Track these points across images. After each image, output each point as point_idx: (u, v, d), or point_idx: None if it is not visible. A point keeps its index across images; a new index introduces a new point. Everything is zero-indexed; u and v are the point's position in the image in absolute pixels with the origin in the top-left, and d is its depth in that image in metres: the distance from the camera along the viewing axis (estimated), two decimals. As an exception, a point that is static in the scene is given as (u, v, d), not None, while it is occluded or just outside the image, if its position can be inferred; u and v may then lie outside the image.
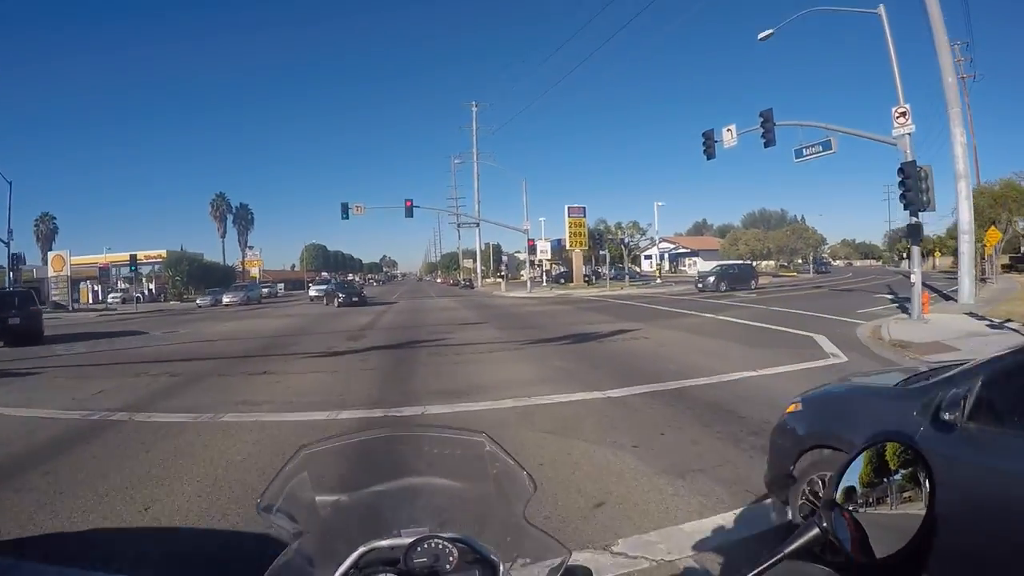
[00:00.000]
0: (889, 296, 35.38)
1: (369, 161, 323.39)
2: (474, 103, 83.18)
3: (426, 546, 1.43)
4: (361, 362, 15.52)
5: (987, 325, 18.98)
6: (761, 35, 30.12)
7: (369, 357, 16.37)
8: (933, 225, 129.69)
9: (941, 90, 26.74)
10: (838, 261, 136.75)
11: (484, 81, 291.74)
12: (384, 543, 1.49)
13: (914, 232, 23.04)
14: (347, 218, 52.00)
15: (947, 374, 4.10)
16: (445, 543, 1.44)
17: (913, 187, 21.37)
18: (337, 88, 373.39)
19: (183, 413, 10.09)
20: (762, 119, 27.79)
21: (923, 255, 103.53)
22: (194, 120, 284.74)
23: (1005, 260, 54.82)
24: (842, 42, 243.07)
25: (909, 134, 23.18)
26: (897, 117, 23.31)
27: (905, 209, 22.45)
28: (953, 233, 24.11)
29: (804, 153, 27.88)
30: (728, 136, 30.19)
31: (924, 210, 22.69)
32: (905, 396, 4.30)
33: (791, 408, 5.39)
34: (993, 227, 43.29)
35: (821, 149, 27.17)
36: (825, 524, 1.41)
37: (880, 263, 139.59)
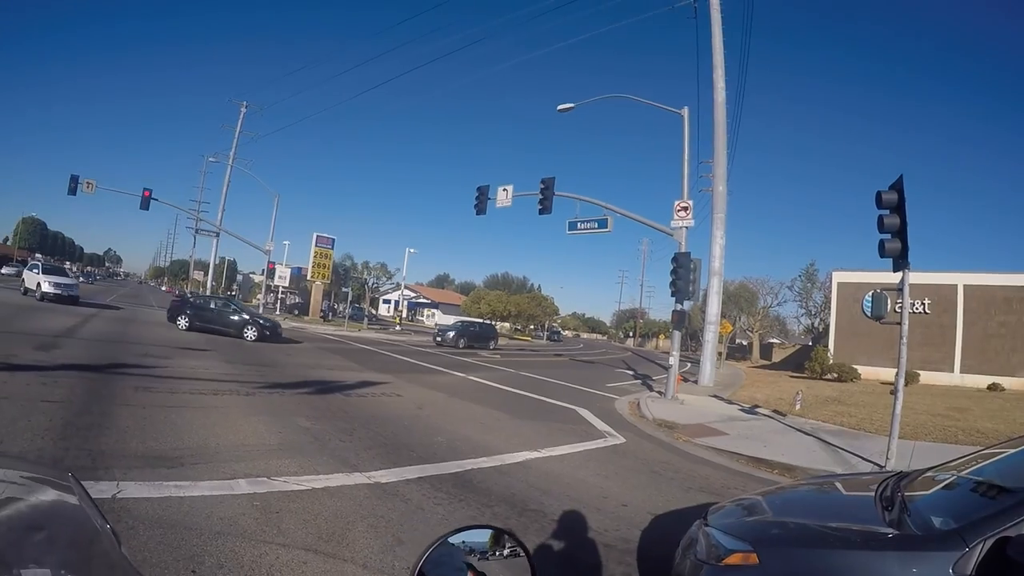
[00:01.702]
0: (629, 372, 36.85)
1: (109, 139, 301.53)
2: (244, 103, 77.65)
3: None
4: (43, 386, 11.48)
5: (739, 409, 20.13)
6: (561, 107, 30.44)
7: (58, 380, 12.26)
8: (656, 311, 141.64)
9: (707, 195, 30.02)
10: (567, 332, 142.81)
11: (256, 87, 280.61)
12: None
13: (679, 319, 23.64)
14: (74, 194, 45.14)
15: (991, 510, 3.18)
16: None
17: (683, 276, 22.29)
18: (88, 49, 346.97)
19: None
20: (543, 186, 27.52)
21: (648, 336, 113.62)
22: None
23: (721, 348, 61.24)
24: (629, 130, 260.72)
25: (687, 227, 24.28)
26: (679, 210, 24.49)
27: (672, 296, 23.00)
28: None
29: (579, 227, 27.93)
30: (503, 196, 29.93)
31: (689, 299, 23.74)
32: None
33: (734, 559, 3.55)
34: (726, 320, 46.72)
35: (597, 226, 27.43)
36: None
37: (606, 338, 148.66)
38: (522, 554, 1.78)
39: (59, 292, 36.42)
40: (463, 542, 1.74)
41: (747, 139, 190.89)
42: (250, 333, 30.45)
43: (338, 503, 6.87)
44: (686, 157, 26.80)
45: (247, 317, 31.97)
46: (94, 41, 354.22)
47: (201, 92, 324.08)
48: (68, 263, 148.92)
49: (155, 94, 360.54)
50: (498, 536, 1.81)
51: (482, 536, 1.80)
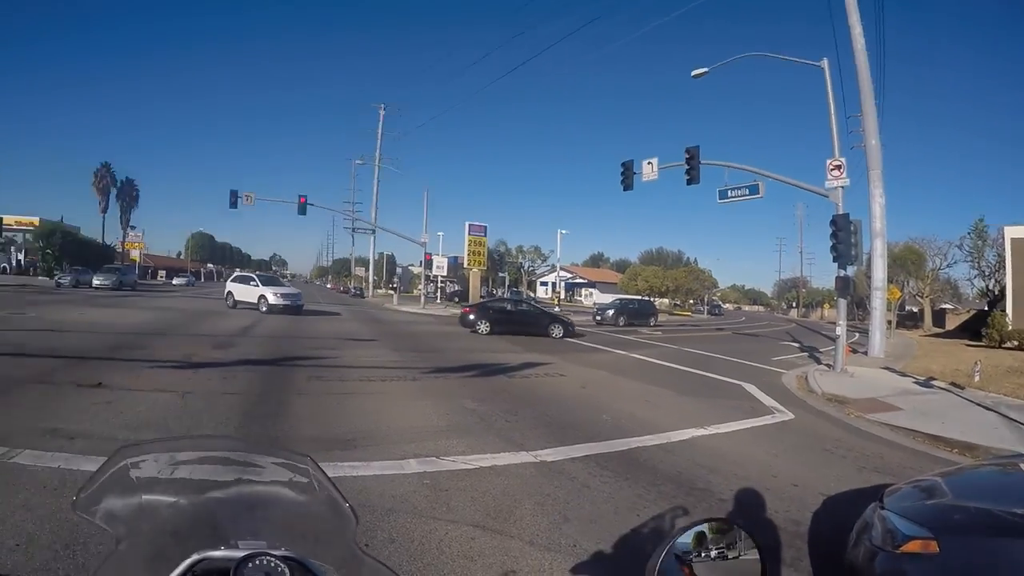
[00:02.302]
0: (795, 344, 35.83)
1: (264, 152, 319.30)
2: (382, 105, 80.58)
3: (259, 562, 1.32)
4: (223, 380, 12.36)
5: (913, 382, 18.74)
6: (695, 72, 29.72)
7: (235, 375, 13.18)
8: (819, 279, 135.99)
9: (860, 151, 27.59)
10: (727, 305, 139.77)
11: (396, 84, 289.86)
12: (218, 553, 1.38)
13: (843, 285, 22.20)
14: (236, 207, 48.18)
15: None
16: (278, 561, 1.33)
17: (844, 240, 21.08)
18: (237, 72, 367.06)
19: None
20: (688, 156, 26.85)
21: (811, 307, 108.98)
22: (87, 83, 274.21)
23: (890, 317, 58.08)
24: (770, 91, 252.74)
25: (843, 187, 22.95)
26: (832, 169, 23.18)
27: (834, 261, 21.83)
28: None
29: (729, 195, 27.12)
30: (648, 169, 29.17)
31: (852, 263, 22.63)
32: None
33: (912, 547, 3.33)
34: (893, 285, 44.21)
35: (748, 193, 26.44)
36: None
37: (768, 310, 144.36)
38: (753, 548, 1.75)
39: (287, 303, 35.40)
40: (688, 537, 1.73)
41: (899, 85, 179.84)
42: (556, 331, 30.11)
43: (505, 481, 6.99)
44: (832, 112, 25.26)
45: (551, 315, 32.46)
46: (241, 64, 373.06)
47: (345, 99, 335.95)
48: (237, 269, 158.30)
49: (301, 106, 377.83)
50: (724, 528, 1.78)
51: (706, 529, 1.77)
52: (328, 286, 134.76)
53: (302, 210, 49.55)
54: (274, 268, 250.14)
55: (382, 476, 6.79)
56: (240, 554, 1.34)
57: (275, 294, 35.77)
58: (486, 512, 5.95)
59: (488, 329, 29.81)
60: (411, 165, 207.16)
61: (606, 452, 8.56)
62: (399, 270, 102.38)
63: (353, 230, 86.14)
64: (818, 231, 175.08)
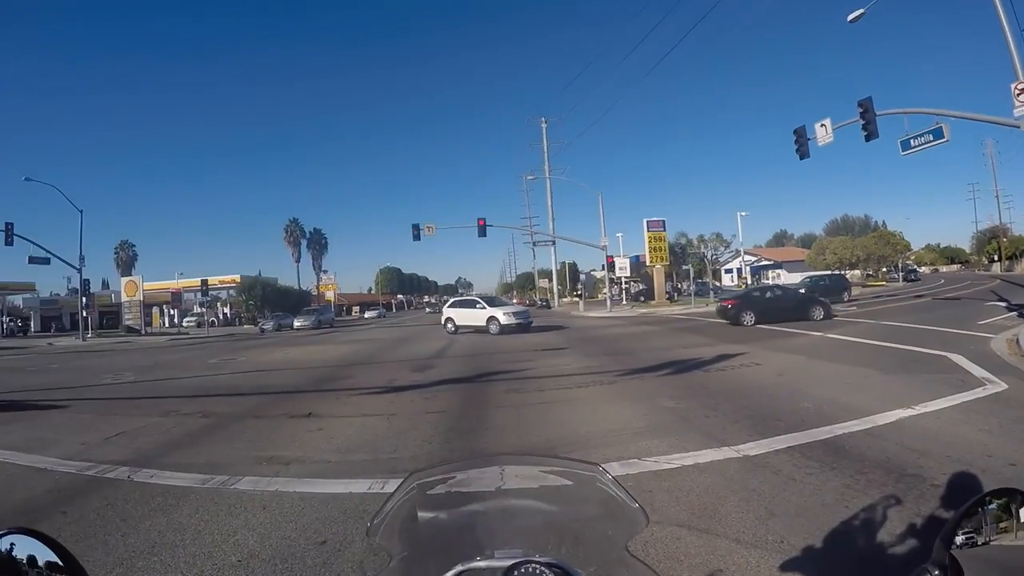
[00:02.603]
0: (1002, 304, 33.23)
1: (440, 182, 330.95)
2: (544, 119, 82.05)
3: (522, 570, 1.33)
4: (424, 401, 13.20)
5: None
6: (851, 16, 27.79)
7: (435, 394, 14.04)
8: (1022, 225, 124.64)
9: None
10: (923, 267, 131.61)
11: (553, 95, 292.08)
12: (480, 564, 1.43)
13: None
14: (419, 239, 51.49)
15: None
16: (541, 567, 1.34)
17: None
18: (406, 110, 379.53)
19: (193, 473, 8.07)
20: (861, 110, 25.73)
21: (1015, 258, 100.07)
22: (268, 146, 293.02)
23: None
24: (933, 19, 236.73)
25: None
26: (1018, 94, 20.78)
27: None
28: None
29: (912, 144, 25.55)
30: (822, 132, 28.19)
31: None
32: None
33: None
34: None
35: (932, 138, 24.95)
36: (938, 572, 1.37)
37: (967, 267, 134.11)
38: None
39: (519, 321, 35.59)
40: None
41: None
42: (816, 313, 29.83)
43: (708, 478, 7.06)
44: (1006, 28, 21.85)
45: (811, 298, 32.79)
46: (406, 101, 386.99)
47: (509, 119, 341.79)
48: (426, 296, 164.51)
49: (469, 133, 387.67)
50: (1005, 498, 1.49)
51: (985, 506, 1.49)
52: (514, 301, 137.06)
53: (482, 232, 51.46)
54: (460, 291, 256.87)
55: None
56: (503, 563, 1.38)
57: (505, 314, 36.12)
58: (690, 511, 6.05)
59: (753, 320, 29.81)
60: (581, 171, 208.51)
61: (809, 442, 8.44)
62: (582, 276, 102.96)
63: (533, 244, 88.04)
64: (1014, 169, 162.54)
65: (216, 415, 12.58)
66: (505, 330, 34.52)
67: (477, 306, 37.76)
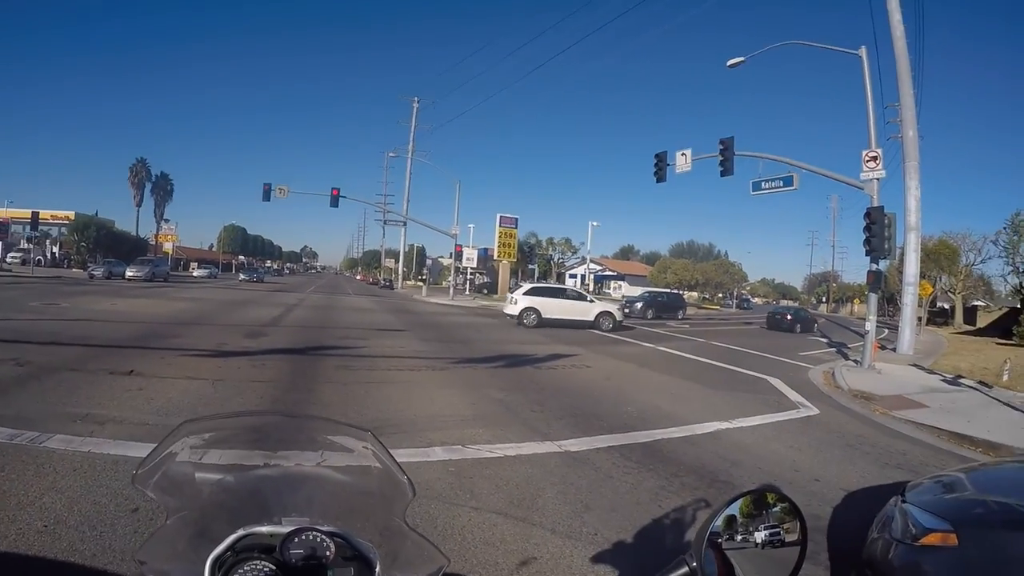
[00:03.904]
0: (823, 339, 35.55)
1: (297, 145, 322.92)
2: (416, 99, 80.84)
3: (304, 537, 1.36)
4: (253, 368, 12.69)
5: (941, 380, 18.60)
6: (730, 62, 29.59)
7: (265, 363, 13.50)
8: (850, 274, 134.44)
9: (896, 142, 27.08)
10: (757, 299, 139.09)
11: (429, 78, 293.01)
12: (263, 529, 1.43)
13: (875, 280, 22.12)
14: (268, 200, 49.16)
15: None
16: (323, 536, 1.37)
17: (877, 233, 20.79)
18: (274, 65, 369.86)
19: (1, 426, 7.23)
20: (722, 147, 26.65)
21: (841, 302, 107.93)
22: (121, 79, 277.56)
23: (920, 313, 57.27)
24: (805, 81, 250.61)
25: (878, 179, 22.75)
26: (868, 161, 22.99)
27: (867, 255, 21.62)
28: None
29: (763, 186, 26.88)
30: (682, 160, 29.11)
31: (884, 257, 22.36)
32: None
33: (931, 539, 3.35)
34: (925, 281, 43.55)
35: (782, 184, 26.33)
36: (695, 563, 1.41)
37: (797, 304, 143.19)
38: (792, 519, 1.59)
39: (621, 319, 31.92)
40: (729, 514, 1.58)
41: (935, 78, 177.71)
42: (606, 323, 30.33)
43: (529, 470, 7.08)
44: (870, 102, 24.77)
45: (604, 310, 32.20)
46: (274, 57, 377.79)
47: (379, 93, 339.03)
48: (268, 262, 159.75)
49: (335, 100, 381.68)
50: (759, 501, 1.62)
51: (739, 506, 1.59)
52: (358, 277, 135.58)
53: (335, 202, 50.04)
54: (305, 260, 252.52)
55: (407, 463, 6.75)
56: (286, 530, 1.38)
57: (619, 309, 33.60)
58: (509, 500, 6.05)
59: (535, 322, 29.98)
60: (443, 158, 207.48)
61: (630, 443, 8.61)
62: (429, 262, 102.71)
63: (384, 222, 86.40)
64: (851, 225, 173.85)
65: (31, 364, 11.48)
66: (617, 327, 31.14)
67: (565, 296, 32.93)
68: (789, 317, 44.88)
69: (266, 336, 18.56)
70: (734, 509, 1.55)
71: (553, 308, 31.05)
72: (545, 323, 30.21)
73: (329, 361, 14.37)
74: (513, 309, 31.27)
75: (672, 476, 7.17)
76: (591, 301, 32.80)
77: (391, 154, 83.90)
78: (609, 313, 31.59)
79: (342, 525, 1.45)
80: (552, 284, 35.81)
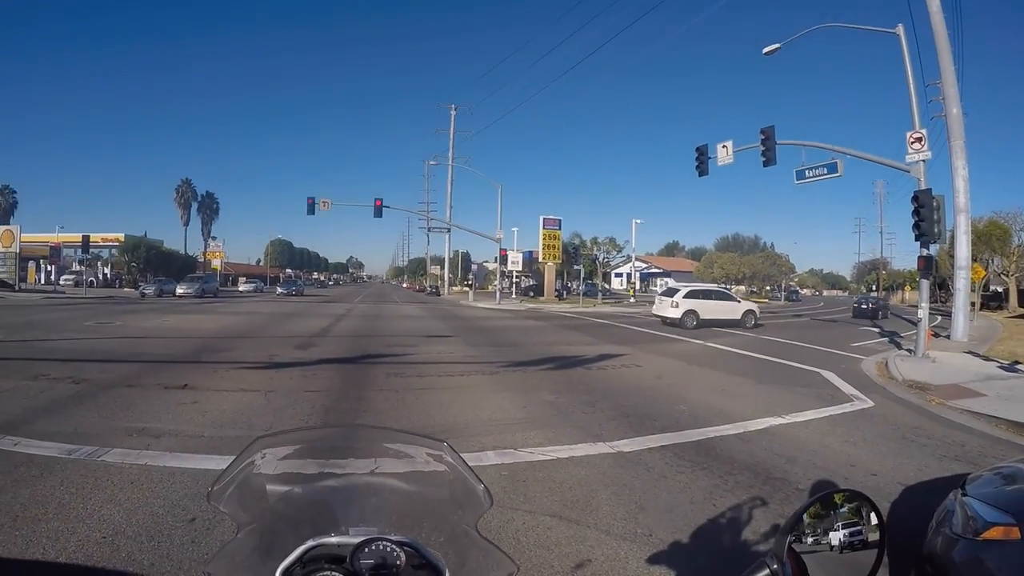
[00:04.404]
0: (875, 329, 34.96)
1: (339, 158, 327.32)
2: (453, 106, 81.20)
3: (374, 547, 1.36)
4: (304, 379, 12.89)
5: (997, 366, 18.12)
6: (766, 49, 29.11)
7: (316, 373, 13.70)
8: (900, 260, 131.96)
9: (941, 121, 26.53)
10: (806, 290, 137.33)
11: (465, 84, 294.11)
12: (332, 540, 1.41)
13: (926, 265, 21.35)
14: (313, 213, 50.02)
15: None
16: (393, 546, 1.37)
17: (927, 217, 20.14)
18: (312, 81, 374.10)
19: (60, 442, 7.49)
20: (763, 136, 26.28)
21: (892, 289, 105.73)
22: (165, 104, 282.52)
23: (973, 297, 55.97)
24: (843, 64, 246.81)
25: (924, 160, 22.01)
26: (912, 143, 22.18)
27: (917, 240, 20.97)
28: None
29: (807, 175, 26.33)
30: (723, 153, 28.86)
31: (935, 242, 21.62)
32: None
33: (994, 533, 3.22)
34: (977, 264, 42.56)
35: (826, 172, 25.76)
36: (776, 566, 1.41)
37: (847, 294, 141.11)
38: (872, 522, 1.59)
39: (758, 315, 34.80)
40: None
41: (977, 50, 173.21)
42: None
43: (582, 472, 7.09)
44: (911, 81, 23.96)
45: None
46: (313, 71, 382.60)
47: (418, 102, 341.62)
48: (315, 273, 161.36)
49: (376, 111, 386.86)
50: (835, 499, 1.61)
51: (815, 507, 1.58)
52: (404, 285, 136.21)
53: (378, 212, 50.62)
54: (351, 270, 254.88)
55: (463, 468, 6.89)
56: (355, 540, 1.38)
57: (758, 306, 36.42)
58: (563, 502, 6.06)
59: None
60: (484, 163, 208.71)
61: (683, 442, 8.58)
62: (474, 267, 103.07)
63: (428, 229, 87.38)
64: (898, 209, 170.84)
65: (88, 381, 11.81)
66: (758, 323, 33.71)
67: (717, 297, 34.31)
68: (872, 305, 51.50)
69: (316, 346, 18.83)
70: (811, 510, 1.55)
71: (708, 309, 32.23)
72: (703, 324, 31.21)
73: (379, 369, 14.53)
74: (674, 312, 31.77)
75: (726, 474, 7.13)
76: (738, 301, 35.05)
77: (431, 162, 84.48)
78: (752, 311, 33.79)
79: (412, 534, 1.44)
80: (704, 286, 36.60)
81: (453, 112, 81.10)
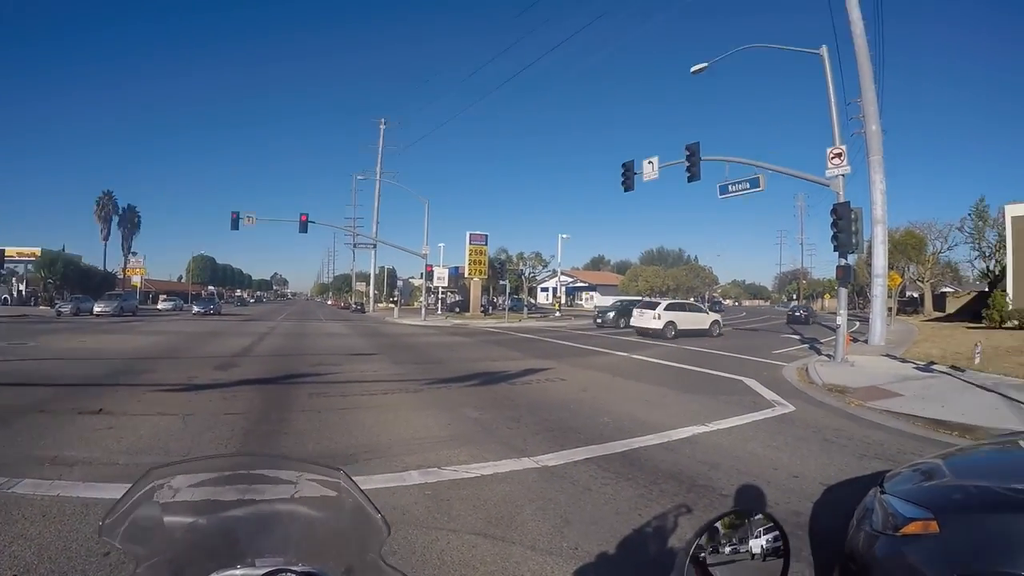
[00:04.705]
0: (796, 336, 35.75)
1: (264, 173, 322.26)
2: (383, 120, 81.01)
3: None
4: (224, 401, 12.46)
5: (914, 367, 18.85)
6: (694, 68, 29.70)
7: (236, 395, 13.27)
8: (820, 269, 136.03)
9: (861, 138, 27.70)
10: (728, 300, 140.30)
11: (392, 100, 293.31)
12: (237, 572, 1.40)
13: (844, 274, 22.08)
14: (237, 228, 48.66)
15: None
16: (298, 575, 1.35)
17: (845, 229, 20.98)
18: (238, 94, 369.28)
19: None
20: (688, 152, 26.86)
21: (812, 298, 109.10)
22: (87, 113, 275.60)
23: (890, 303, 58.36)
24: (769, 82, 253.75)
25: (843, 175, 22.88)
26: (832, 158, 23.07)
27: (835, 251, 21.83)
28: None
29: (730, 189, 27.00)
30: (649, 168, 29.21)
31: (853, 252, 22.53)
32: None
33: (912, 528, 3.30)
34: (893, 272, 43.97)
35: (749, 186, 26.41)
36: None
37: (769, 303, 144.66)
38: (773, 537, 1.65)
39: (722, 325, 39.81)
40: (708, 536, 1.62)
41: (896, 70, 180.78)
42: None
43: (507, 488, 6.99)
44: (832, 100, 24.91)
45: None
46: (236, 84, 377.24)
47: (345, 115, 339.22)
48: (239, 291, 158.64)
49: (301, 125, 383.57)
50: (740, 519, 1.68)
51: (721, 524, 1.66)
52: (329, 302, 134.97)
53: (303, 228, 49.86)
54: (275, 287, 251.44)
55: (383, 489, 6.74)
56: (260, 572, 1.37)
57: (721, 316, 41.84)
58: (487, 519, 5.96)
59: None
60: (411, 178, 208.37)
61: (607, 454, 8.57)
62: (400, 283, 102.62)
63: (355, 245, 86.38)
64: (819, 221, 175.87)
65: None
66: (721, 332, 37.48)
67: (691, 309, 38.65)
68: (804, 313, 57.72)
69: (237, 367, 18.31)
70: (716, 526, 1.60)
71: (684, 320, 35.70)
72: (680, 334, 34.27)
73: (301, 389, 14.21)
74: (656, 324, 34.62)
75: (651, 484, 7.13)
76: (707, 313, 38.97)
77: (360, 176, 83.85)
78: (717, 321, 37.75)
79: (317, 564, 1.43)
80: (680, 300, 43.35)
81: (382, 126, 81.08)
